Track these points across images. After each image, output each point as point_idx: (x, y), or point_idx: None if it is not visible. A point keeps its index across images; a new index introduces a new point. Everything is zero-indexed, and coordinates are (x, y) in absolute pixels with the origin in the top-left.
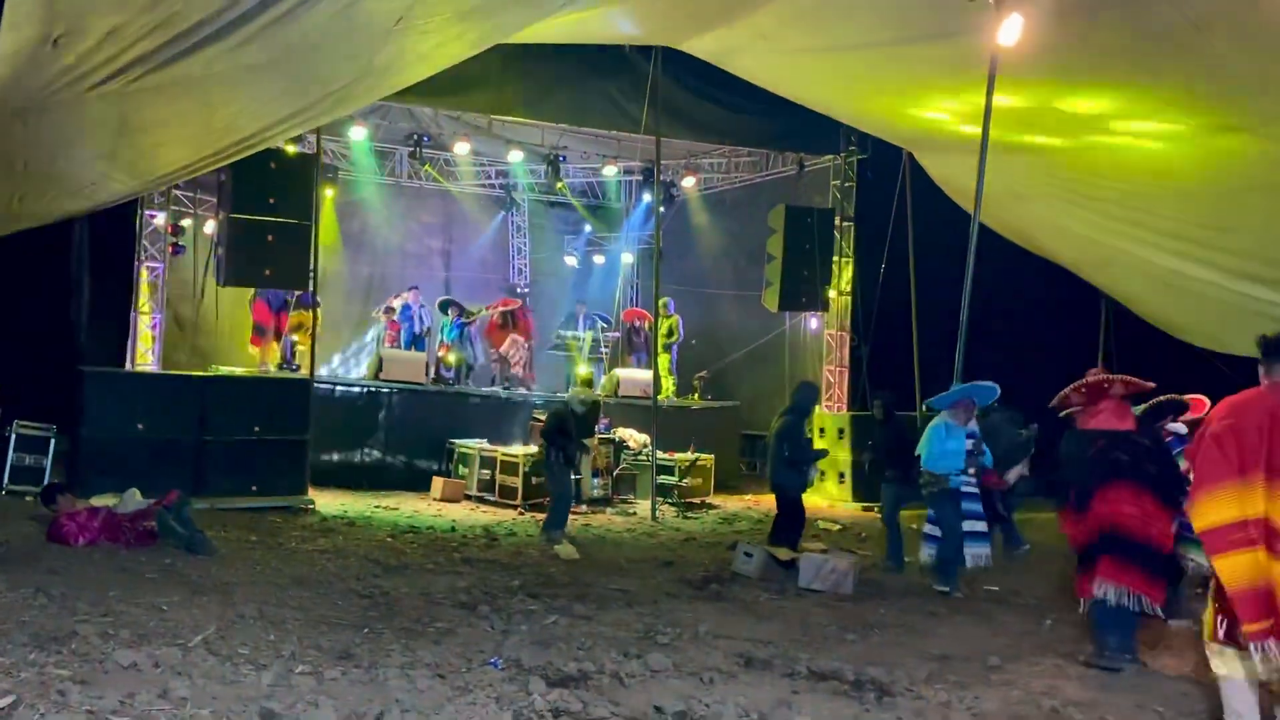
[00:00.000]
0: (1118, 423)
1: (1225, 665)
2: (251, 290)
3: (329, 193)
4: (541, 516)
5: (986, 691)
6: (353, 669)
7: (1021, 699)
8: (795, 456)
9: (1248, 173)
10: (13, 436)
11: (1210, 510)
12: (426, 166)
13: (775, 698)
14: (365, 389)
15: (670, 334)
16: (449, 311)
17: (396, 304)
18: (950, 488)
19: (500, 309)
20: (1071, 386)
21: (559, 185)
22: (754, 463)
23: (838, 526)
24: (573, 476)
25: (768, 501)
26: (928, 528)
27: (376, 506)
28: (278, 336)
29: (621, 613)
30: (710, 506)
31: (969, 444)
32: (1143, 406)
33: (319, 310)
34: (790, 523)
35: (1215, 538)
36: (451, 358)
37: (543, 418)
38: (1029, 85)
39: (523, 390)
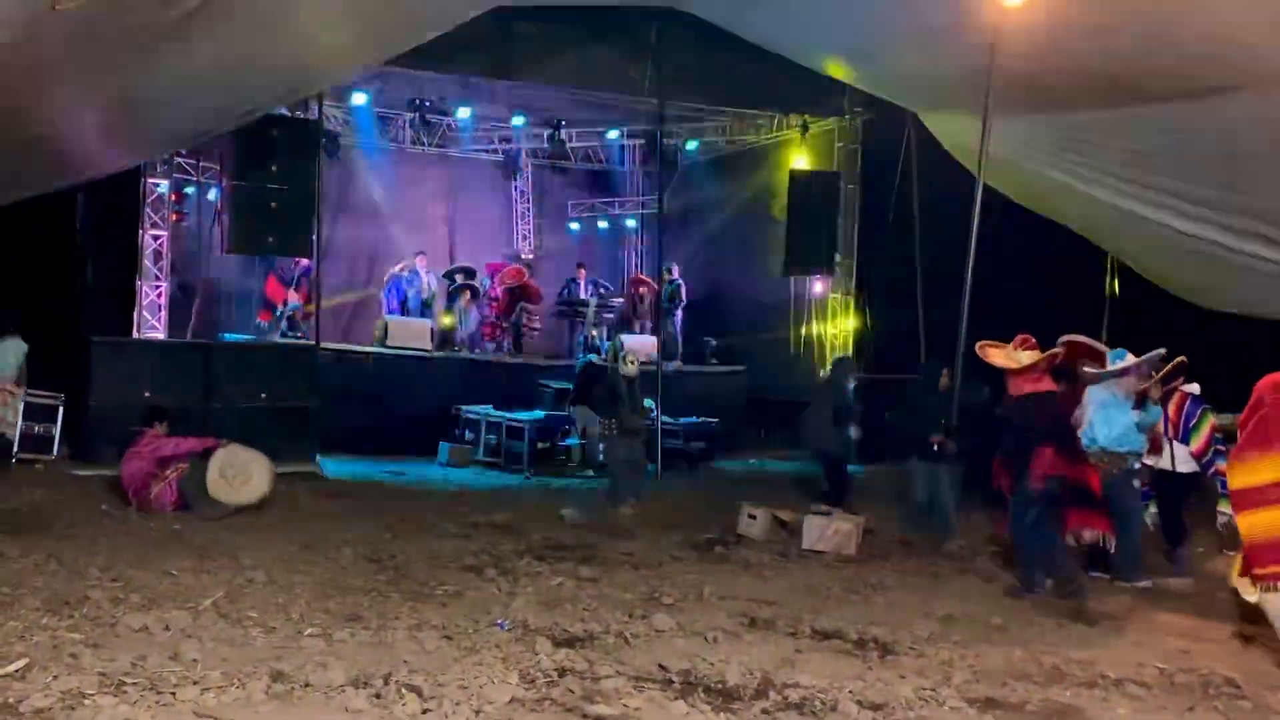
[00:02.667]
0: (1038, 385)
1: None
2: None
3: (334, 158)
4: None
5: (988, 650)
6: (361, 631)
7: (1023, 657)
8: (840, 416)
9: (1254, 134)
10: (21, 405)
11: (1247, 473)
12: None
13: (779, 656)
14: (371, 355)
15: (673, 298)
16: (455, 278)
17: (402, 270)
18: (1131, 469)
19: (509, 282)
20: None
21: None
22: (759, 429)
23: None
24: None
25: (773, 466)
26: None
27: (384, 472)
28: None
29: (627, 575)
30: (716, 470)
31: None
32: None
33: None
34: (838, 484)
35: (1245, 497)
36: (446, 320)
37: (553, 385)
38: (1035, 46)
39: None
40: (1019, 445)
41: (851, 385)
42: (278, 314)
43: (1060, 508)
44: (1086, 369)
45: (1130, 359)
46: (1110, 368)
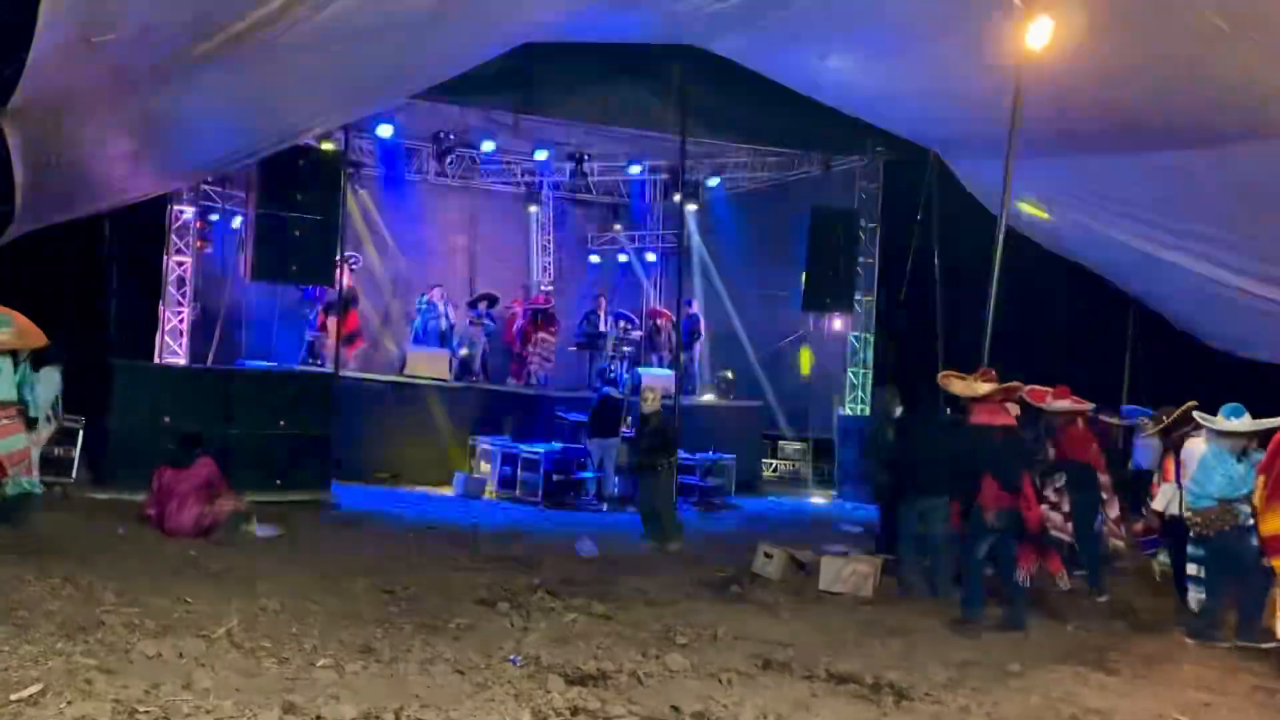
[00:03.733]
0: (993, 418)
1: None
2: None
3: (357, 190)
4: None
5: (1005, 697)
6: (373, 663)
7: (1040, 705)
8: (881, 458)
9: (1276, 180)
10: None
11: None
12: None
13: (793, 700)
14: (389, 384)
15: (692, 333)
16: (479, 306)
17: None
18: (1245, 523)
19: (529, 306)
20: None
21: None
22: (775, 464)
23: (860, 529)
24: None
25: (790, 503)
26: (1192, 568)
27: (399, 502)
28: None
29: (641, 612)
30: (732, 507)
31: None
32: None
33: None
34: (883, 525)
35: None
36: (464, 351)
37: (570, 417)
38: (1057, 89)
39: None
40: (970, 477)
41: (897, 414)
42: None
43: (1017, 541)
44: (1202, 422)
45: (1249, 421)
46: (1229, 425)
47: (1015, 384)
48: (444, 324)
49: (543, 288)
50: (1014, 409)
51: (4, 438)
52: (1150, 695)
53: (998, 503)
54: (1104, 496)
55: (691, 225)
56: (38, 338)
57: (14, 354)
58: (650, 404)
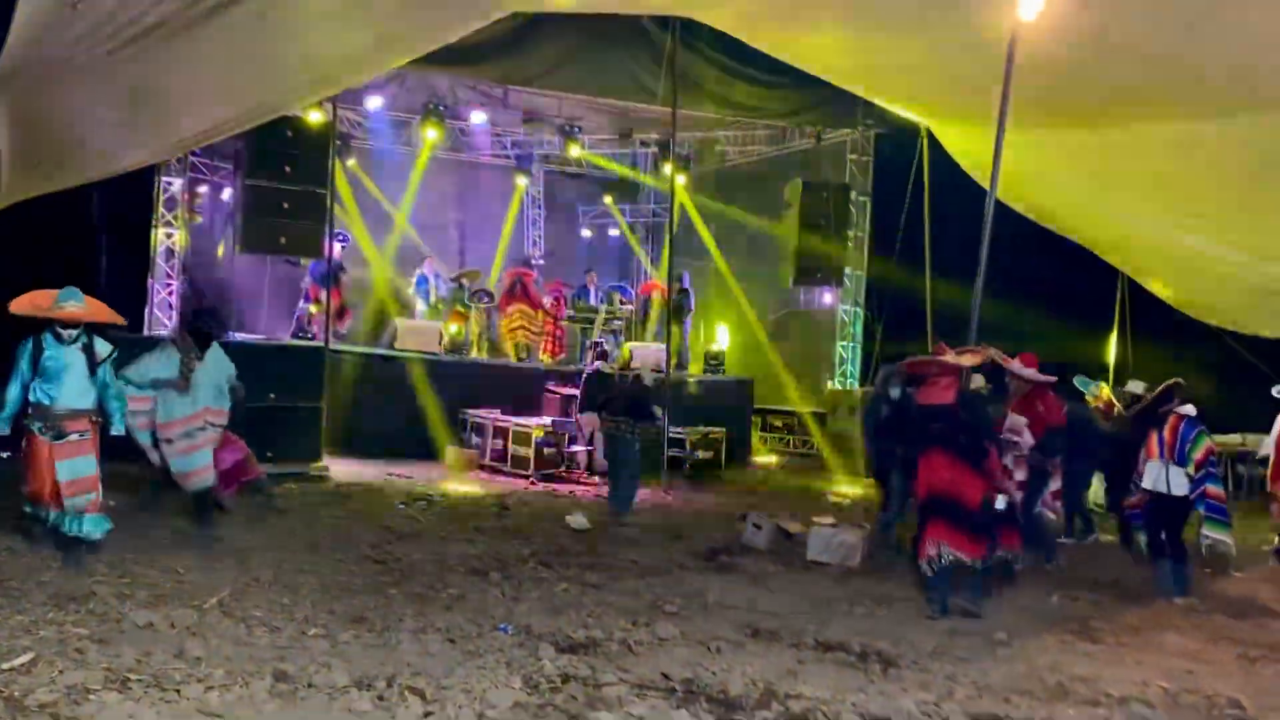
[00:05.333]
0: (940, 397)
1: None
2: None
3: (347, 161)
4: (555, 487)
5: (992, 665)
6: (365, 633)
7: (1026, 673)
8: (873, 434)
9: (1273, 153)
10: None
11: None
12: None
13: (781, 667)
14: (380, 357)
15: (683, 307)
16: (462, 282)
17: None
18: None
19: (511, 276)
20: (903, 362)
21: (577, 152)
22: (765, 436)
23: (848, 500)
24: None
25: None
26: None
27: (389, 474)
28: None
29: (631, 582)
30: (721, 479)
31: None
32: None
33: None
34: (885, 501)
35: None
36: (451, 328)
37: (560, 390)
38: (1051, 60)
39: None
40: (913, 455)
41: (895, 394)
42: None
43: (927, 519)
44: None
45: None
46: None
47: (991, 355)
48: (434, 297)
49: (533, 261)
50: (979, 380)
51: (68, 459)
52: (1134, 663)
53: (937, 481)
54: (1049, 470)
55: (682, 198)
56: (111, 315)
57: (91, 350)
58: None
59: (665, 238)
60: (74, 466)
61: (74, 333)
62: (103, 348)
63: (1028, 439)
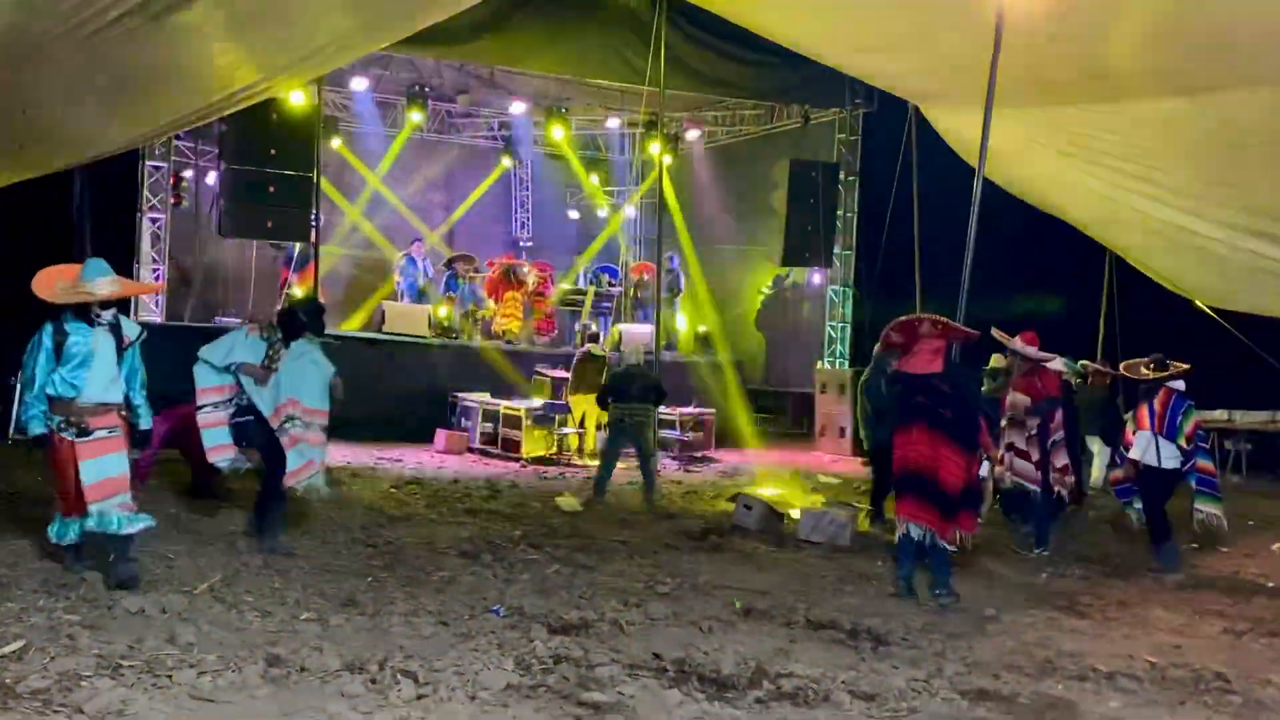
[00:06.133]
0: (926, 366)
1: None
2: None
3: (332, 144)
4: (543, 469)
5: (981, 641)
6: (356, 616)
7: (1015, 649)
8: (877, 409)
9: (1256, 131)
10: (17, 386)
11: None
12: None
13: (773, 646)
14: (368, 341)
15: (671, 288)
16: (453, 266)
17: (399, 258)
18: None
19: (503, 264)
20: (889, 325)
21: (563, 134)
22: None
23: (838, 480)
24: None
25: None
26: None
27: (379, 458)
28: None
29: (622, 563)
30: (711, 460)
31: None
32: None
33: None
34: (879, 479)
35: None
36: (441, 312)
37: (551, 373)
38: (1036, 38)
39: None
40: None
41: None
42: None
43: (899, 496)
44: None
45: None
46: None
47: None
48: (422, 280)
49: (521, 243)
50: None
51: (92, 458)
52: (1122, 638)
53: (911, 454)
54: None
55: (670, 179)
56: (148, 286)
57: (119, 332)
58: (626, 356)
59: (653, 219)
60: (101, 466)
61: (109, 313)
62: (130, 328)
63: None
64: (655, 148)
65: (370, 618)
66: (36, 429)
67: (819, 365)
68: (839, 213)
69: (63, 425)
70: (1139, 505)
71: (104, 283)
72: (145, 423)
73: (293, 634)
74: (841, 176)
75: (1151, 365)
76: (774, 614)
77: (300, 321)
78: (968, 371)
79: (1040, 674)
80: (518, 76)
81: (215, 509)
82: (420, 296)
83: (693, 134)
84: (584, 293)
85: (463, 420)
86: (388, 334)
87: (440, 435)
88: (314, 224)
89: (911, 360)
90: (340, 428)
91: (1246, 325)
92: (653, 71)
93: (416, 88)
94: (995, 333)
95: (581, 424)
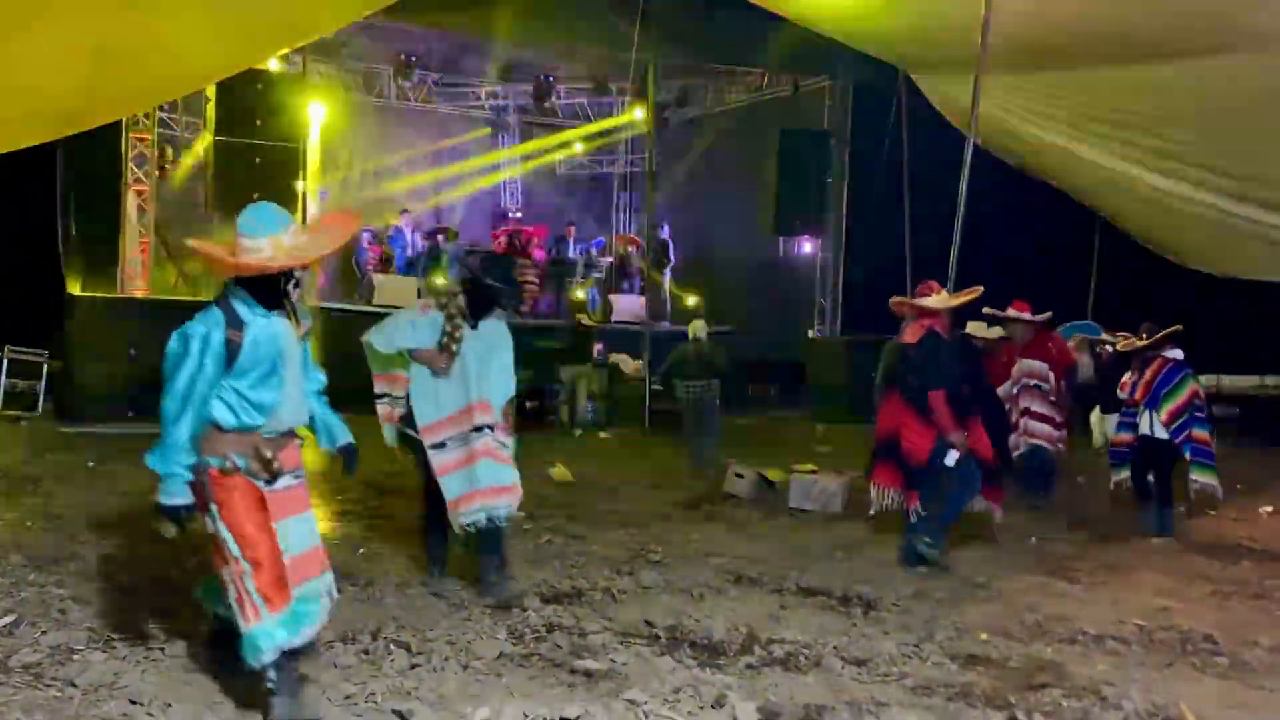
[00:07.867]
0: (911, 336)
1: None
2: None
3: (316, 114)
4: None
5: (971, 606)
6: (349, 587)
7: (1004, 613)
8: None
9: (1248, 95)
10: (5, 361)
11: None
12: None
13: (764, 612)
14: (356, 314)
15: (662, 258)
16: (435, 238)
17: (387, 229)
18: None
19: (507, 232)
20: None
21: (552, 103)
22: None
23: (829, 447)
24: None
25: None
26: None
27: (370, 430)
28: None
29: (614, 532)
30: None
31: None
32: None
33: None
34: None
35: None
36: (439, 283)
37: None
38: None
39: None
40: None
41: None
42: None
43: (877, 461)
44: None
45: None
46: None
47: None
48: (410, 252)
49: (511, 214)
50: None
51: (290, 516)
52: (1111, 602)
53: (882, 425)
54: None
55: (660, 147)
56: (354, 219)
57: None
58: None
59: (643, 188)
60: (300, 533)
61: (299, 290)
62: (303, 314)
63: (1052, 383)
64: (639, 113)
65: (363, 588)
66: (179, 493)
67: (811, 334)
68: (830, 180)
69: (248, 467)
70: (1126, 472)
71: (293, 233)
72: (345, 439)
73: None
74: (832, 144)
75: (1144, 335)
76: (765, 581)
77: (493, 290)
78: (949, 345)
79: (1030, 638)
80: (507, 46)
81: None
82: (409, 268)
83: (683, 102)
84: (574, 264)
85: None
86: (379, 306)
87: None
88: (301, 195)
89: (904, 330)
90: (331, 399)
91: (1236, 289)
92: (642, 40)
93: (404, 57)
94: (987, 311)
95: (572, 395)
